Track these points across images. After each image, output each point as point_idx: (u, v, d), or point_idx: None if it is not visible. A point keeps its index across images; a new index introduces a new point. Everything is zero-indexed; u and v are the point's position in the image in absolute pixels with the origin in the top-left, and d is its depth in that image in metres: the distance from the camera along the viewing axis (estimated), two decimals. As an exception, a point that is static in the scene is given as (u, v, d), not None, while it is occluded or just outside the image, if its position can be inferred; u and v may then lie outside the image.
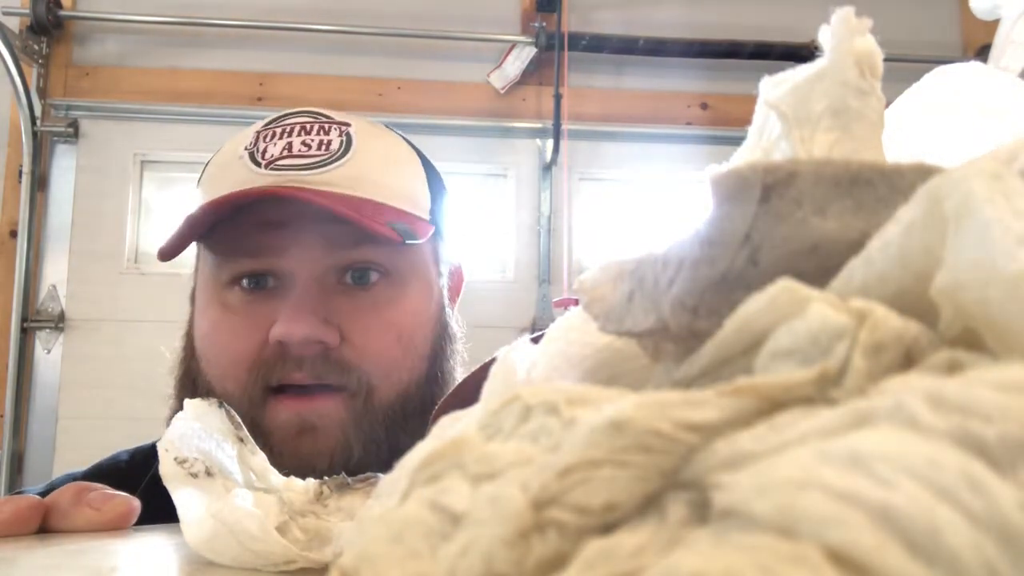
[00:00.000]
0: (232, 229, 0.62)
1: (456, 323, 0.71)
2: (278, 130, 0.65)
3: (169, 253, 0.64)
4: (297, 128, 0.65)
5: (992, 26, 0.62)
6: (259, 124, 0.67)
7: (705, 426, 0.15)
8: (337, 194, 0.60)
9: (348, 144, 0.64)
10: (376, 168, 0.64)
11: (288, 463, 0.53)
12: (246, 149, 0.64)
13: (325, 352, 0.60)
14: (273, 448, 0.57)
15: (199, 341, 0.66)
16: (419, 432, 0.65)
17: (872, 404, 0.14)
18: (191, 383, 0.65)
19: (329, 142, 0.64)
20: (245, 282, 0.63)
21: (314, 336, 0.59)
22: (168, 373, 0.70)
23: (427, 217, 0.67)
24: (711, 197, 0.20)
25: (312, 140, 0.64)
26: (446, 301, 0.71)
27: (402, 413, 0.62)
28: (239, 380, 0.61)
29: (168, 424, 0.42)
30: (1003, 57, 0.48)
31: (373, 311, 0.63)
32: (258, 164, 0.62)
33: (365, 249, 0.62)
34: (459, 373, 0.69)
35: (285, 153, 0.63)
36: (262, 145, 0.64)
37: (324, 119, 0.66)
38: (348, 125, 0.66)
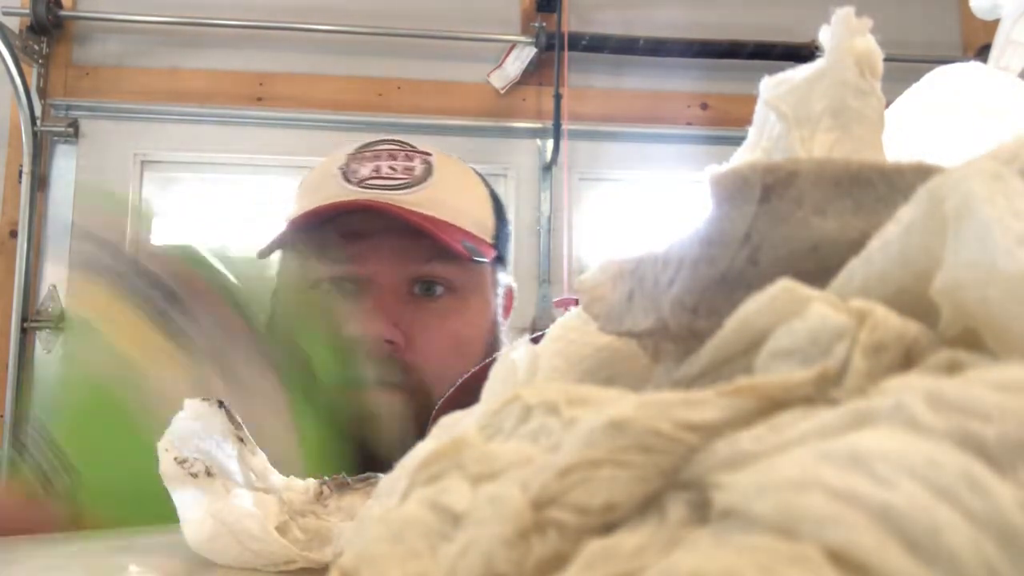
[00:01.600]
0: (320, 237, 0.70)
1: (507, 337, 0.80)
2: (368, 154, 0.75)
3: (266, 253, 0.72)
4: (385, 154, 0.74)
5: (992, 26, 0.62)
6: (351, 147, 0.77)
7: (705, 426, 0.15)
8: (419, 212, 0.69)
9: (429, 171, 0.73)
10: (452, 193, 0.73)
11: (357, 447, 0.63)
12: (339, 168, 0.73)
13: (391, 354, 0.68)
14: (347, 433, 0.64)
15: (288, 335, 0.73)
16: None
17: (872, 404, 0.14)
18: None
19: (413, 168, 0.73)
20: (327, 285, 0.70)
21: (385, 335, 0.67)
22: None
23: (491, 241, 0.76)
24: (711, 197, 0.20)
25: (398, 165, 0.73)
26: (500, 317, 0.79)
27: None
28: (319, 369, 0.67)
29: None
30: (1003, 57, 0.48)
31: (436, 321, 0.71)
32: (349, 181, 0.71)
33: (435, 265, 0.71)
34: None
35: (374, 174, 0.72)
36: (354, 166, 0.73)
37: (409, 148, 0.76)
38: (429, 155, 0.75)
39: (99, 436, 0.57)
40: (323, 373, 0.66)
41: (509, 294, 0.84)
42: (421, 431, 0.65)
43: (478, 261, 0.71)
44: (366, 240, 0.69)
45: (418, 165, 0.73)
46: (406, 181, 0.71)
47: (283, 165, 2.36)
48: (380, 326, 0.67)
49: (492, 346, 0.75)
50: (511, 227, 0.82)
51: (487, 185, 0.80)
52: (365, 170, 0.72)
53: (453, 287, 0.72)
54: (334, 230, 0.70)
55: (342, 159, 0.74)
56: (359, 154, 0.75)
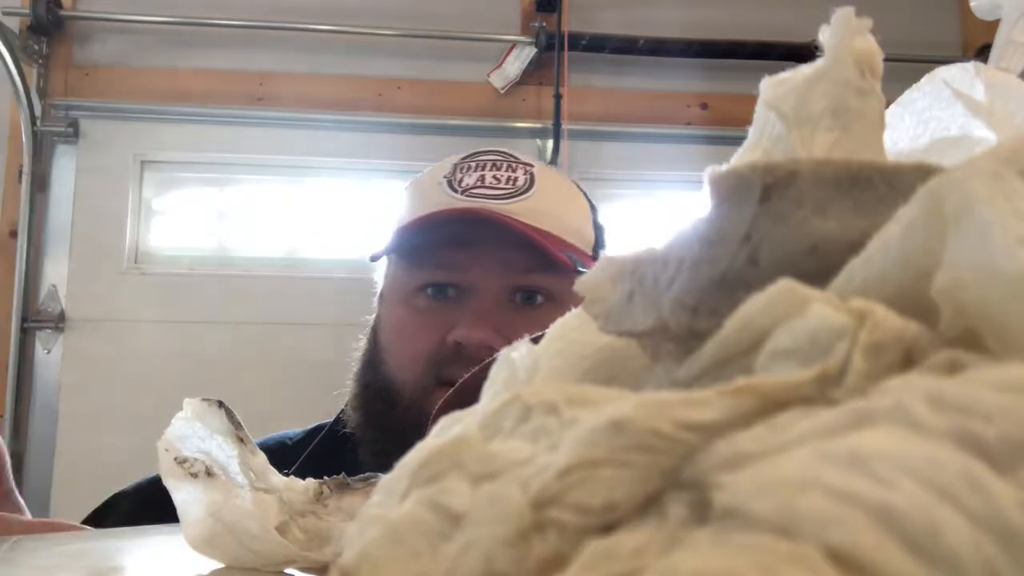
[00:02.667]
0: (426, 243, 0.74)
1: None
2: (473, 164, 0.77)
3: (378, 256, 0.77)
4: (489, 164, 0.77)
5: (992, 26, 0.61)
6: (456, 158, 0.80)
7: (705, 426, 0.15)
8: (524, 222, 0.71)
9: (532, 182, 0.76)
10: (555, 204, 0.75)
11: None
12: (445, 177, 0.76)
13: (491, 351, 0.69)
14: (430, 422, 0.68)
15: (386, 335, 0.77)
16: None
17: (872, 404, 0.14)
18: (372, 371, 0.77)
19: (516, 179, 0.76)
20: (431, 290, 0.74)
21: (488, 342, 0.69)
22: (352, 362, 0.81)
23: (591, 253, 0.78)
24: (711, 197, 0.20)
25: (502, 175, 0.76)
26: None
27: None
28: (415, 371, 0.72)
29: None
30: (1003, 57, 0.48)
31: (537, 329, 0.71)
32: (455, 190, 0.74)
33: (536, 275, 0.73)
34: None
35: (479, 184, 0.75)
36: (459, 175, 0.76)
37: (512, 159, 0.78)
38: (531, 166, 0.78)
39: None
40: (419, 375, 0.71)
41: None
42: None
43: (581, 272, 0.72)
44: (471, 248, 0.72)
45: (520, 176, 0.75)
46: (510, 191, 0.74)
47: (283, 165, 2.36)
48: (483, 332, 0.69)
49: None
50: (605, 235, 0.83)
51: (587, 197, 0.82)
52: (470, 179, 0.75)
53: (553, 297, 0.74)
54: (440, 237, 0.73)
55: (448, 168, 0.77)
56: (464, 163, 0.77)
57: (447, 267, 0.73)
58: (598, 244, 0.80)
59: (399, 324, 0.75)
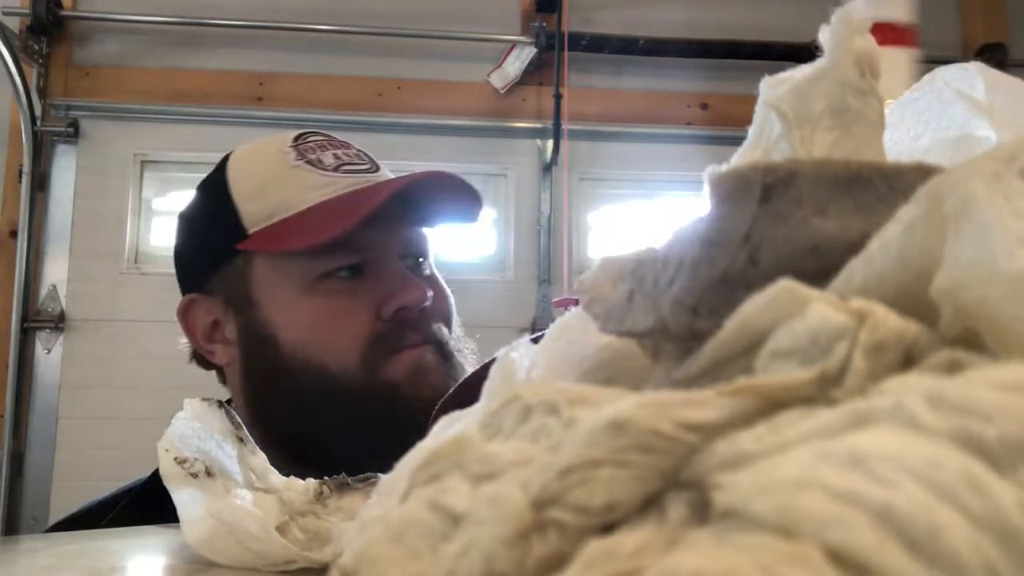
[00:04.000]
0: (333, 228, 0.69)
1: None
2: (312, 145, 0.74)
3: (289, 250, 0.72)
4: (327, 143, 0.75)
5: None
6: (281, 143, 0.75)
7: (705, 426, 0.15)
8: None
9: (369, 157, 0.76)
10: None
11: (408, 405, 0.68)
12: (297, 160, 0.73)
13: (425, 314, 0.72)
14: (398, 390, 0.69)
15: (292, 332, 0.71)
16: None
17: (872, 404, 0.14)
18: (290, 377, 0.71)
19: (360, 154, 0.76)
20: (344, 273, 0.71)
21: (426, 298, 0.71)
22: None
23: None
24: (711, 197, 0.20)
25: (348, 153, 0.75)
26: None
27: (461, 350, 0.76)
28: (358, 351, 0.69)
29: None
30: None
31: (434, 280, 0.76)
32: (325, 170, 0.72)
33: (423, 237, 0.76)
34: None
35: (341, 160, 0.73)
36: (312, 155, 0.73)
37: (337, 140, 0.76)
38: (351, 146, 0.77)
39: None
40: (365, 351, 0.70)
41: None
42: (453, 371, 0.73)
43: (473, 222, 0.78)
44: (381, 224, 0.70)
45: (360, 152, 0.76)
46: (370, 165, 0.74)
47: (283, 165, 2.36)
48: (422, 288, 0.70)
49: None
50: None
51: None
52: (328, 158, 0.73)
53: (427, 257, 0.77)
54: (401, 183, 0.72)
55: (289, 152, 0.73)
56: (300, 145, 0.74)
57: (360, 248, 0.71)
58: None
59: (313, 315, 0.71)
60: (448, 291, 0.78)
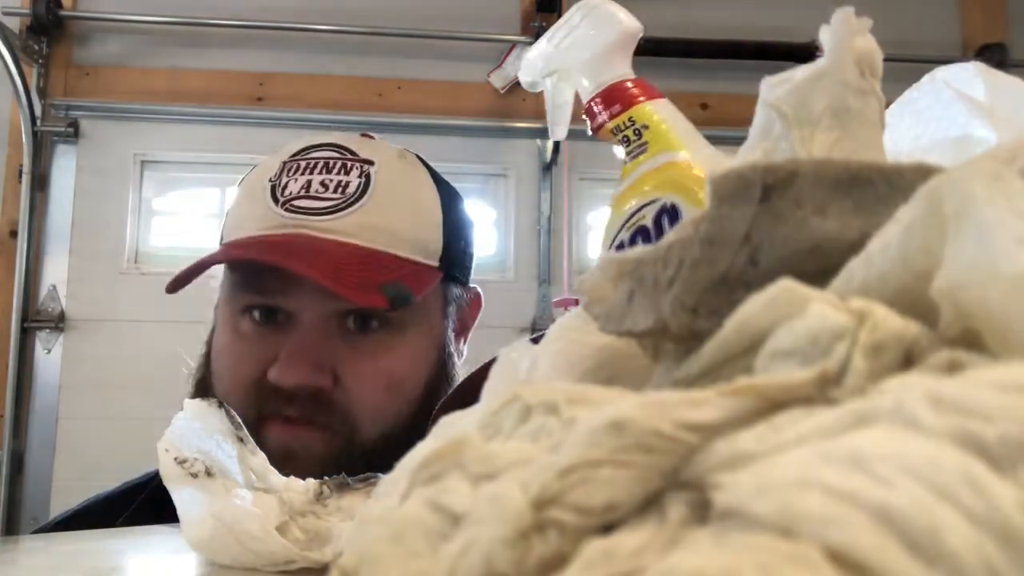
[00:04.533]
0: (248, 264, 0.66)
1: (458, 359, 0.74)
2: (302, 163, 0.68)
3: (176, 285, 0.67)
4: (320, 164, 0.67)
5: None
6: (287, 153, 0.70)
7: (705, 426, 0.15)
8: (346, 243, 0.63)
9: (366, 185, 0.66)
10: (389, 213, 0.66)
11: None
12: (270, 180, 0.68)
13: (317, 393, 0.64)
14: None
15: (213, 355, 0.70)
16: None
17: (872, 404, 0.14)
18: (205, 391, 0.70)
19: (347, 184, 0.66)
20: (256, 314, 0.66)
21: (306, 383, 0.63)
22: (187, 376, 0.74)
23: (436, 264, 0.69)
24: (711, 197, 0.20)
25: (331, 180, 0.66)
26: (449, 340, 0.73)
27: (383, 447, 0.65)
28: (237, 401, 0.62)
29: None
30: (554, 124, 0.50)
31: (369, 358, 0.66)
32: (276, 201, 0.66)
33: (365, 297, 0.64)
34: None
35: (303, 193, 0.66)
36: (284, 179, 0.67)
37: (349, 155, 0.68)
38: (371, 164, 0.68)
39: None
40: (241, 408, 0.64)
41: (474, 303, 0.79)
42: (351, 467, 0.62)
43: (401, 307, 0.64)
44: (288, 272, 0.63)
45: (354, 180, 0.66)
46: (336, 202, 0.65)
47: (283, 165, 2.36)
48: (299, 373, 0.63)
49: (434, 376, 0.70)
50: (470, 228, 0.75)
51: (439, 188, 0.72)
52: (295, 185, 0.66)
53: (388, 321, 0.66)
54: (260, 259, 0.65)
55: (276, 167, 0.69)
56: (293, 162, 0.69)
57: (267, 292, 0.65)
58: (451, 247, 0.71)
59: (224, 349, 0.69)
60: (400, 376, 0.67)
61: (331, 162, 0.68)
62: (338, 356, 0.65)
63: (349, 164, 0.67)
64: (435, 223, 0.70)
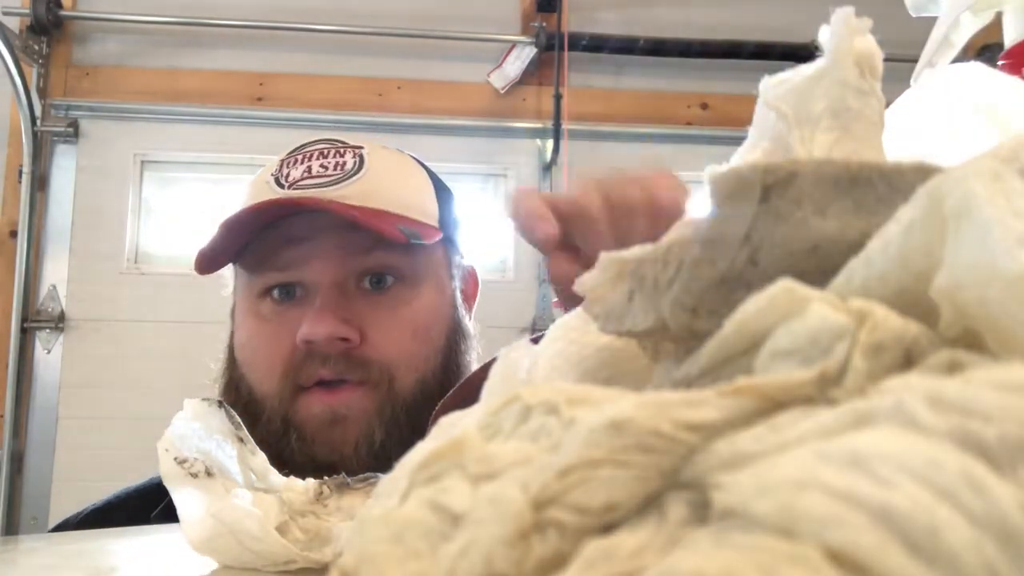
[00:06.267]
0: (260, 246, 0.69)
1: (471, 322, 0.78)
2: (299, 156, 0.73)
3: (207, 266, 0.71)
4: (316, 154, 0.73)
5: (992, 26, 0.62)
6: (284, 153, 0.75)
7: (705, 426, 0.15)
8: (349, 203, 0.67)
9: (360, 164, 0.72)
10: (387, 183, 0.71)
11: (320, 451, 0.66)
12: (272, 175, 0.72)
13: (347, 351, 0.67)
14: (306, 438, 0.66)
15: (239, 351, 0.73)
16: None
17: (872, 404, 0.14)
18: (234, 391, 0.72)
19: (344, 163, 0.72)
20: (276, 293, 0.70)
21: (336, 333, 0.65)
22: (212, 383, 0.76)
23: (436, 224, 0.74)
24: (711, 197, 0.20)
25: (329, 162, 0.72)
26: (459, 302, 0.77)
27: (421, 399, 0.69)
28: (274, 382, 0.68)
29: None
30: (935, 55, 0.48)
31: (390, 311, 0.70)
32: (281, 186, 0.70)
33: (379, 254, 0.69)
34: (473, 367, 0.75)
35: (305, 176, 0.71)
36: (286, 171, 0.72)
37: (340, 144, 0.74)
38: (361, 148, 0.74)
39: None
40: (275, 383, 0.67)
41: (472, 278, 0.83)
42: (395, 417, 0.67)
43: (416, 243, 0.69)
44: (305, 242, 0.68)
45: (349, 160, 0.72)
46: (337, 176, 0.70)
47: (283, 165, 2.36)
48: (328, 325, 0.65)
49: (453, 330, 0.74)
50: (456, 205, 0.79)
51: (428, 171, 0.78)
52: (296, 172, 0.71)
53: (402, 275, 0.70)
54: (272, 237, 0.69)
55: (275, 166, 0.73)
56: (291, 157, 0.74)
57: (285, 266, 0.69)
58: (446, 216, 0.76)
59: (249, 337, 0.72)
60: (423, 324, 0.71)
61: (326, 150, 0.73)
62: (361, 313, 0.68)
63: (342, 149, 0.73)
64: (429, 193, 0.76)
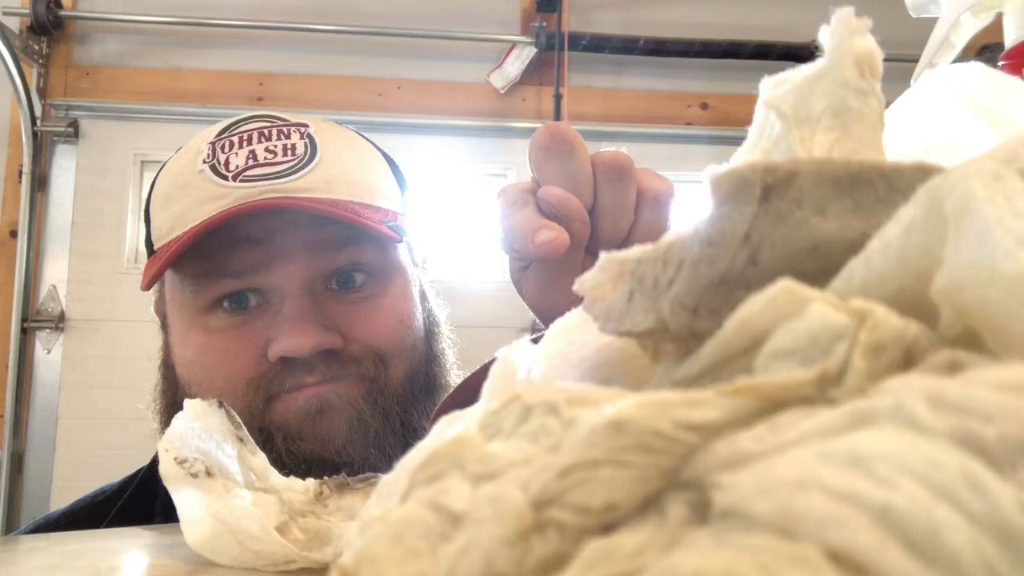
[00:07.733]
0: (205, 251, 0.60)
1: (440, 318, 0.73)
2: (235, 139, 0.63)
3: (151, 283, 0.62)
4: (255, 135, 0.63)
5: (992, 26, 0.62)
6: (208, 134, 0.65)
7: (705, 426, 0.15)
8: (321, 198, 0.60)
9: (313, 146, 0.63)
10: (347, 167, 0.64)
11: (307, 447, 0.59)
12: (204, 162, 0.62)
13: (334, 355, 0.61)
14: (291, 436, 0.60)
15: (183, 369, 0.64)
16: (427, 409, 0.64)
17: (872, 404, 0.14)
18: (177, 408, 0.66)
19: (293, 146, 0.62)
20: (227, 303, 0.61)
21: (321, 346, 0.59)
22: (147, 406, 0.69)
23: (403, 212, 0.68)
24: (711, 197, 0.20)
25: (275, 146, 0.62)
26: (427, 286, 0.72)
27: (411, 389, 0.64)
28: (237, 396, 0.60)
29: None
30: (936, 55, 0.48)
31: (369, 306, 0.64)
32: (224, 177, 0.60)
33: (349, 251, 0.62)
34: (449, 354, 0.71)
35: (251, 163, 0.61)
36: (222, 156, 0.62)
37: (280, 122, 0.65)
38: (306, 126, 0.65)
39: None
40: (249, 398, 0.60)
41: (427, 263, 0.76)
42: (388, 406, 0.62)
43: (398, 231, 0.62)
44: (265, 244, 0.60)
45: (298, 142, 0.62)
46: (291, 163, 0.61)
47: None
48: (310, 336, 0.59)
49: (427, 317, 0.69)
50: (408, 189, 0.72)
51: (378, 148, 0.71)
52: (238, 159, 0.61)
53: (372, 272, 0.64)
54: (218, 240, 0.59)
55: (204, 150, 0.63)
56: (222, 140, 0.63)
57: (240, 273, 0.60)
58: (405, 195, 0.69)
59: (198, 354, 0.62)
60: (405, 313, 0.65)
61: (265, 130, 0.64)
62: (337, 316, 0.62)
63: (286, 129, 0.64)
64: (388, 173, 0.69)
